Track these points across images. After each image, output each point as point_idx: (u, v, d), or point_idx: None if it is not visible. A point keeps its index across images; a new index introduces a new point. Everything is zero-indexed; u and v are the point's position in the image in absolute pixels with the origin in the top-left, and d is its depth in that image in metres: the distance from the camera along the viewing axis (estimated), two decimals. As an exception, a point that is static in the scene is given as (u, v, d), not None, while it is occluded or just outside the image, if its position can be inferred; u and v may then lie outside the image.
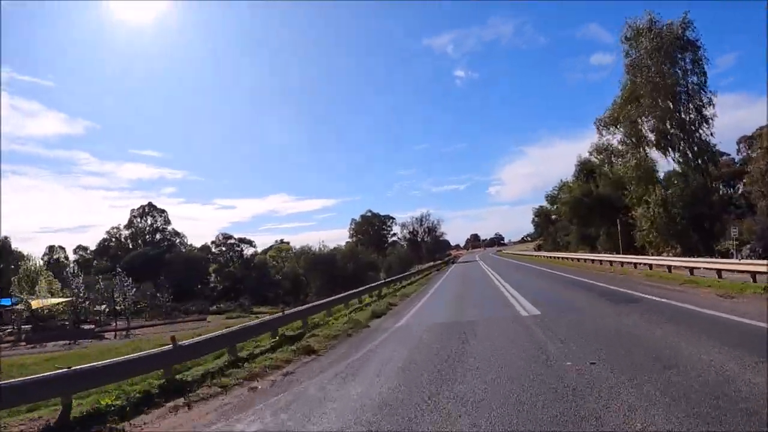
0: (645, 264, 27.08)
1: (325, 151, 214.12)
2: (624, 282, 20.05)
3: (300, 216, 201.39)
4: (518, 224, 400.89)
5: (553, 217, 71.27)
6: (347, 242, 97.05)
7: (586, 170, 58.70)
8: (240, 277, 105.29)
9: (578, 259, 41.14)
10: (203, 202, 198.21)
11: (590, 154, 47.72)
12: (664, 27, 30.00)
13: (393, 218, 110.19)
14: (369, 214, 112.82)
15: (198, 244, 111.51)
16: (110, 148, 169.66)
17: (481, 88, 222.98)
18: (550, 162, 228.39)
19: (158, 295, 62.37)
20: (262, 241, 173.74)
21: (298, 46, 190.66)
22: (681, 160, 31.00)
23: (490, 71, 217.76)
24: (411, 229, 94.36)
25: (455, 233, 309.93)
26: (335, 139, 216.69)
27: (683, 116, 29.66)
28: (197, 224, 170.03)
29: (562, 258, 47.16)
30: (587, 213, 39.66)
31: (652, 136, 33.15)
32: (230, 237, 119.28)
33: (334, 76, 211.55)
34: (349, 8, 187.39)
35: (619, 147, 45.39)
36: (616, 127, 44.84)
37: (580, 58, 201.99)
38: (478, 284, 26.47)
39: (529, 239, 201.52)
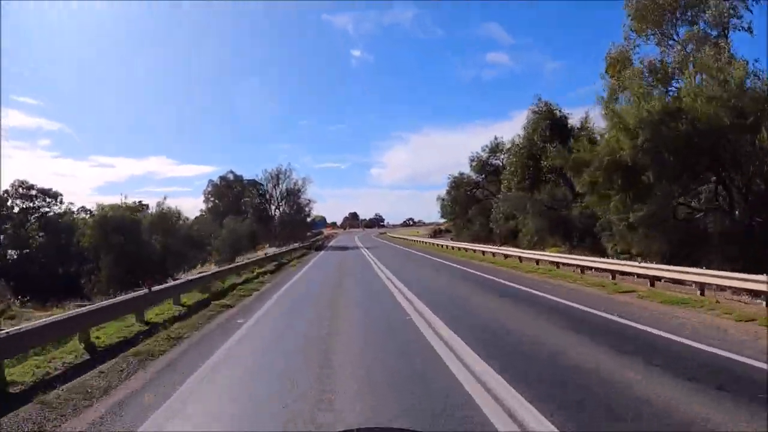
0: None
1: (209, 117, 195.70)
2: None
3: (178, 180, 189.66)
4: (397, 208, 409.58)
5: (474, 191, 47.49)
6: (201, 210, 65.73)
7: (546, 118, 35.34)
8: (41, 245, 70.30)
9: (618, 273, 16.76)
10: (79, 157, 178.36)
11: (612, 62, 23.56)
12: None
13: (261, 184, 79.34)
14: (230, 176, 79.88)
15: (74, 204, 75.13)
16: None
17: (375, 70, 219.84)
18: (430, 151, 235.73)
19: None
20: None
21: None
22: None
23: (386, 55, 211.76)
24: (262, 191, 65.58)
25: (332, 212, 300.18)
26: (219, 104, 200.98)
27: None
28: (71, 181, 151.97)
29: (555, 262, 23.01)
30: (679, 156, 15.27)
31: None
32: (31, 187, 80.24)
33: (223, 38, 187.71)
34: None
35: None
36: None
37: (476, 55, 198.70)
38: None
39: (412, 223, 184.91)
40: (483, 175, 45.78)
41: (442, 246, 42.56)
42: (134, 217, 47.13)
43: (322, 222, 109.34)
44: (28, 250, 67.15)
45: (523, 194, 32.14)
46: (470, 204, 45.31)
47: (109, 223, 44.46)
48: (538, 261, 22.00)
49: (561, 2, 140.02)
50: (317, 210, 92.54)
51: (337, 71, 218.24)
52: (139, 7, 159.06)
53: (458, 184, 47.65)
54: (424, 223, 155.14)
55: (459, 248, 36.57)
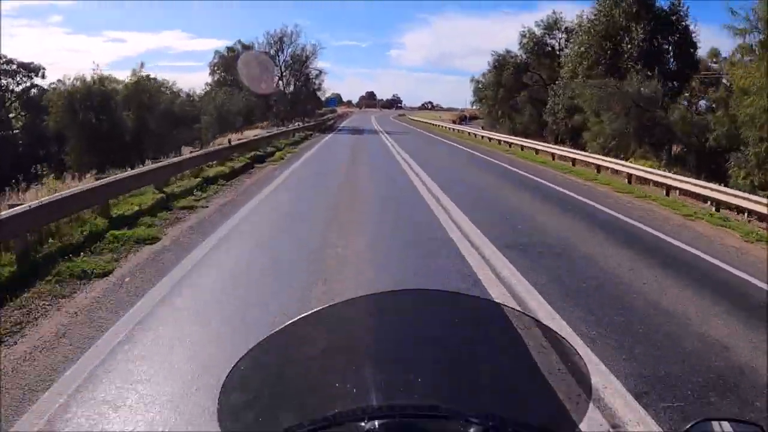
0: None
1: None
2: None
3: (194, 55, 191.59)
4: (415, 91, 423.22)
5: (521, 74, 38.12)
6: (206, 83, 55.36)
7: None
8: (24, 125, 60.02)
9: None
10: (91, 33, 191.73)
11: None
12: None
13: (270, 55, 63.33)
14: (238, 46, 64.89)
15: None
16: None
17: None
18: (453, 36, 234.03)
19: None
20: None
21: None
22: None
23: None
24: (261, 60, 50.54)
25: (349, 91, 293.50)
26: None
27: None
28: (84, 57, 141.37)
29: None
30: None
31: None
32: (10, 61, 64.70)
33: None
34: None
35: None
36: None
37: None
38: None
39: (430, 107, 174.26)
40: (533, 57, 36.98)
41: (484, 138, 32.81)
42: (104, 90, 38.74)
43: (335, 99, 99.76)
44: (8, 132, 58.41)
45: (606, 81, 24.26)
46: (516, 90, 36.88)
47: (76, 98, 36.72)
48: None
49: None
50: (333, 88, 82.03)
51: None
52: None
53: (503, 64, 38.46)
54: (441, 107, 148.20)
55: (514, 144, 27.15)
